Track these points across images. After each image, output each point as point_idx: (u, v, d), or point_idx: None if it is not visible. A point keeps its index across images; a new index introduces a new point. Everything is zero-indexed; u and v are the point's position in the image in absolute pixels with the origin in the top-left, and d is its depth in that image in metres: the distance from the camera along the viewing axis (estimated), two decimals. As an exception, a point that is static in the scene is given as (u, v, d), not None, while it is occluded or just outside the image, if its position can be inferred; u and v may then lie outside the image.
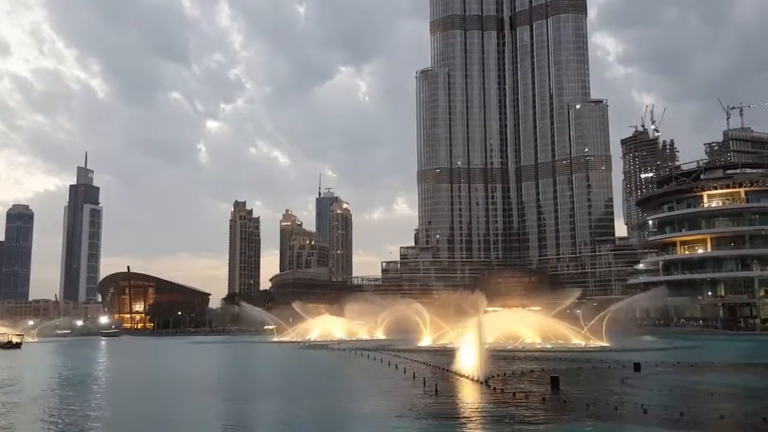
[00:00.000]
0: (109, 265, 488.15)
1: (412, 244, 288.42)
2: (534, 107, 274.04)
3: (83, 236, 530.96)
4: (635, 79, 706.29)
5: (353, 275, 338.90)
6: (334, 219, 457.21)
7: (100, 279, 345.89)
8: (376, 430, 25.48)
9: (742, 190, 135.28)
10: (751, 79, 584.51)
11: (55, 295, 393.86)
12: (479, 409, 28.56)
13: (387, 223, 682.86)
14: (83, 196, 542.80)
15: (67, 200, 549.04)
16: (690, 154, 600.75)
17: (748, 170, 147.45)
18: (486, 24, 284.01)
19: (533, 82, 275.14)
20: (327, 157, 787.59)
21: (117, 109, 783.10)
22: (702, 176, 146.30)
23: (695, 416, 26.08)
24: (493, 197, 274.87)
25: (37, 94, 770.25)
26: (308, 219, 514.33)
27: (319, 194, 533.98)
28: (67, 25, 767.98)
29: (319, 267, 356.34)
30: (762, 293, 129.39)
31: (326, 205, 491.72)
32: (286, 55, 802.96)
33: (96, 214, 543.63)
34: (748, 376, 43.47)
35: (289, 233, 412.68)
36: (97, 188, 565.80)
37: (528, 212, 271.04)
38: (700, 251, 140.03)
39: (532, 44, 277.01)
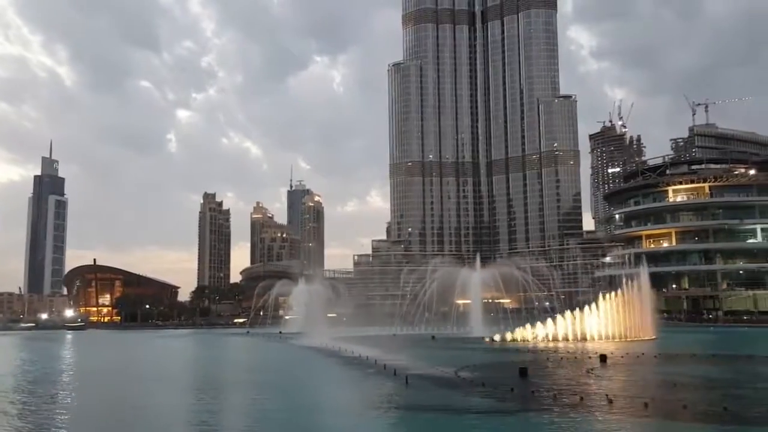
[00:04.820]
0: (76, 258, 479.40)
1: (385, 237, 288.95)
2: (505, 102, 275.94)
3: (48, 228, 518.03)
4: (608, 73, 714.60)
5: (325, 268, 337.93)
6: (306, 212, 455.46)
7: (66, 272, 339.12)
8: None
9: (706, 185, 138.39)
10: (723, 76, 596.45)
11: (19, 288, 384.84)
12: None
13: (360, 216, 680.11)
14: (48, 186, 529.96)
15: (32, 191, 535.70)
16: (661, 149, 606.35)
17: (712, 166, 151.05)
18: (458, 18, 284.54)
19: (504, 77, 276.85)
20: (300, 148, 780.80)
21: (84, 97, 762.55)
22: (668, 171, 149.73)
23: (659, 406, 26.64)
24: (464, 191, 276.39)
25: (1, 81, 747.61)
26: (280, 211, 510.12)
27: (291, 186, 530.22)
28: (33, 9, 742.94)
29: (291, 260, 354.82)
30: (725, 286, 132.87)
31: (298, 197, 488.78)
32: (259, 43, 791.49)
33: (61, 206, 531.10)
34: (711, 366, 44.56)
35: (260, 226, 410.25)
36: (63, 179, 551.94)
37: (498, 206, 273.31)
38: (665, 245, 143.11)
39: (503, 39, 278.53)
